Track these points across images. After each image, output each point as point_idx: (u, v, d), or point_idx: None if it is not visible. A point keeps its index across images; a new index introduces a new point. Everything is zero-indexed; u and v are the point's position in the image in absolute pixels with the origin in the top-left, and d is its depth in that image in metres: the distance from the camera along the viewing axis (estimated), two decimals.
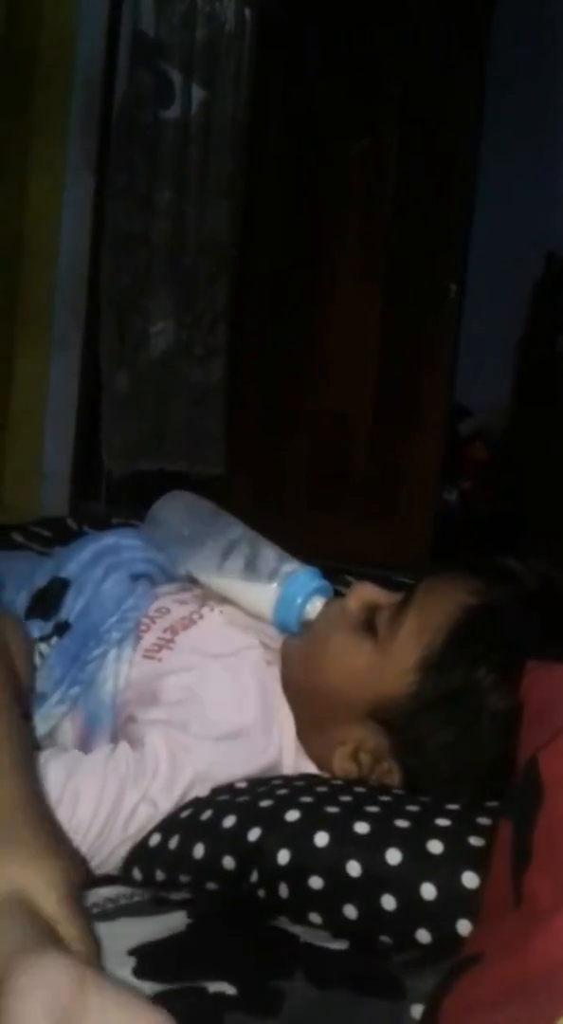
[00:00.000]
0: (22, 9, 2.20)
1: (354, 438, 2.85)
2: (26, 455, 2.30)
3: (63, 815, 0.69)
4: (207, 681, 0.84)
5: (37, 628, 0.92)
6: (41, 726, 0.87)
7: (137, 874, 0.72)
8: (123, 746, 0.77)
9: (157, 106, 2.59)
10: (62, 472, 2.41)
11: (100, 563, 0.99)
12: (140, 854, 0.72)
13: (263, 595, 0.95)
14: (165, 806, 0.73)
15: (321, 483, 2.86)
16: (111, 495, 2.68)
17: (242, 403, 2.91)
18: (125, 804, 0.72)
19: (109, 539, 1.02)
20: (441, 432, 2.89)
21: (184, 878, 0.70)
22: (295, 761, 0.83)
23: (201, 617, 0.93)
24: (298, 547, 1.05)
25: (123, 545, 1.03)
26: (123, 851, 0.72)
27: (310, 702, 0.84)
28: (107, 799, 0.71)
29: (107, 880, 0.73)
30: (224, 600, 0.97)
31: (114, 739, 0.86)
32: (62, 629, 0.93)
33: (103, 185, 2.44)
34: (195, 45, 2.67)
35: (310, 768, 0.83)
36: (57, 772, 0.72)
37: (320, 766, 0.82)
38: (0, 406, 2.25)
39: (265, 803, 0.70)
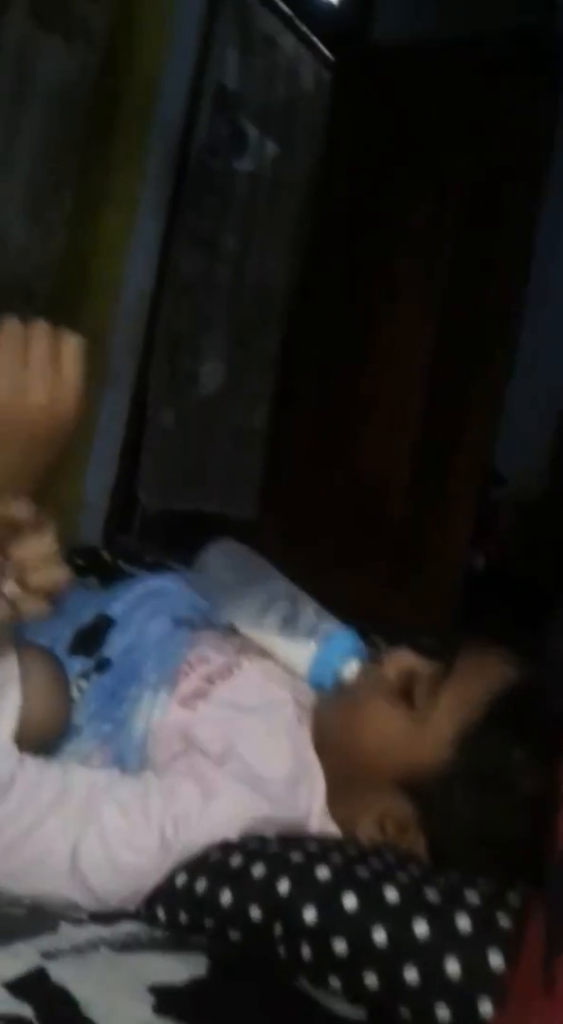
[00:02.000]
0: (114, 56, 2.29)
1: (388, 496, 2.88)
2: (69, 483, 2.35)
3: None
4: (242, 734, 0.85)
5: (79, 664, 0.94)
6: (72, 760, 0.88)
7: (160, 913, 0.74)
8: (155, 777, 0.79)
9: (231, 156, 2.67)
10: (101, 504, 2.46)
11: (146, 605, 1.01)
12: (165, 893, 0.73)
13: (300, 652, 0.97)
14: (195, 836, 0.74)
15: (352, 537, 2.88)
16: (144, 530, 2.71)
17: (282, 450, 2.95)
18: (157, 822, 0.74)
19: (156, 582, 1.05)
20: (475, 496, 2.91)
21: (208, 922, 0.71)
22: (321, 822, 0.84)
23: (239, 668, 0.95)
24: (322, 600, 1.07)
25: (169, 589, 1.06)
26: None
27: (340, 764, 0.85)
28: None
29: (129, 916, 0.75)
30: (262, 653, 0.99)
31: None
32: (103, 665, 0.95)
33: (171, 227, 2.51)
34: (273, 101, 2.76)
35: (335, 831, 0.84)
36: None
37: (344, 829, 0.83)
38: None
39: (296, 857, 0.71)
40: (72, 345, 0.80)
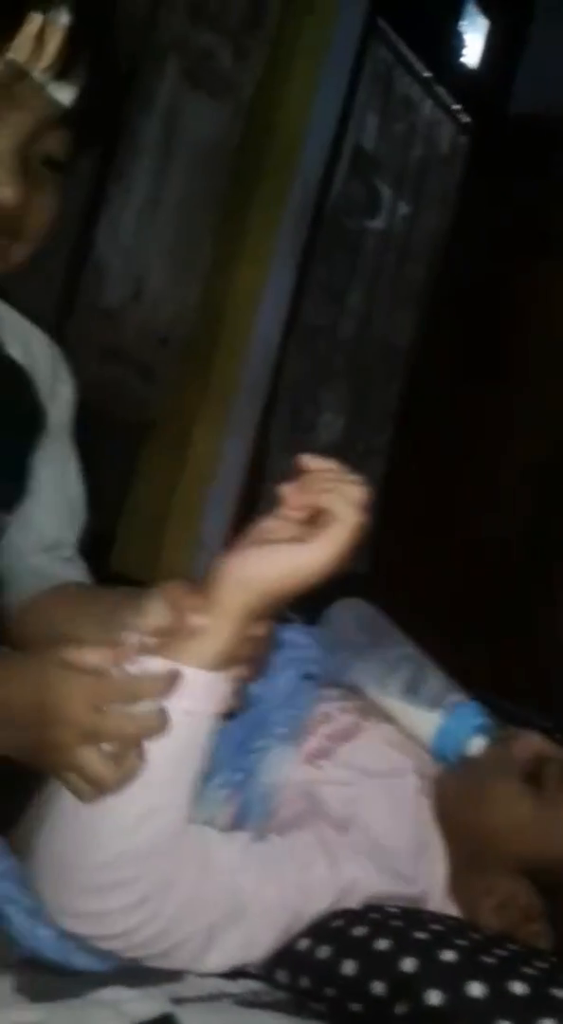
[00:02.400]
0: (259, 115, 2.38)
1: (504, 561, 2.84)
2: (188, 522, 2.40)
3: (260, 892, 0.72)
4: (365, 801, 0.86)
5: None
6: (202, 808, 0.90)
7: (282, 976, 0.74)
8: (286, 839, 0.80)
9: (364, 215, 2.73)
10: (216, 546, 2.50)
11: (275, 656, 1.03)
12: (287, 957, 0.74)
13: (424, 720, 0.97)
14: (322, 907, 0.75)
15: (462, 601, 2.84)
16: None
17: (397, 506, 2.95)
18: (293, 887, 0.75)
19: (287, 634, 1.07)
20: None
21: (329, 991, 0.71)
22: (441, 900, 0.83)
23: (362, 730, 0.96)
24: None
25: (299, 642, 1.07)
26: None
27: (463, 843, 0.84)
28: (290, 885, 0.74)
29: (250, 975, 0.76)
30: (385, 716, 0.99)
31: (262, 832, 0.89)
32: (232, 713, 0.98)
33: (302, 281, 2.57)
34: (408, 163, 2.81)
35: (454, 910, 0.83)
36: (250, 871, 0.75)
37: (466, 910, 0.82)
38: (174, 471, 2.37)
39: (420, 934, 0.71)
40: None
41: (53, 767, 0.65)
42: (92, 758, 0.63)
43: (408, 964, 0.69)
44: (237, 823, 0.90)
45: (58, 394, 0.88)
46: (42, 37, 0.61)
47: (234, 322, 2.40)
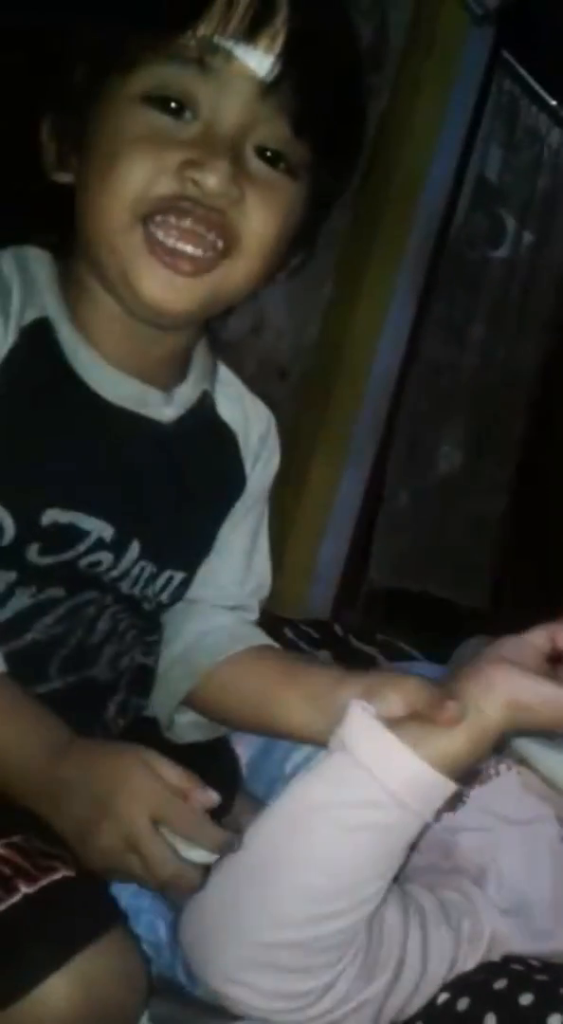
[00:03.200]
0: (380, 153, 2.39)
1: None
2: (304, 553, 2.40)
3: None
4: (503, 849, 0.82)
5: None
6: None
7: None
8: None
9: (487, 246, 2.70)
10: (332, 576, 2.49)
11: None
12: (426, 1009, 0.71)
13: None
14: (469, 964, 0.72)
15: None
16: (367, 606, 2.72)
17: (520, 542, 2.88)
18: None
19: (420, 670, 1.04)
20: None
21: None
22: None
23: (497, 774, 0.92)
24: None
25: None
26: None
27: None
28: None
29: None
30: (521, 760, 0.96)
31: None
32: None
33: (422, 315, 2.55)
34: (534, 193, 2.76)
35: None
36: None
37: None
38: (292, 502, 2.38)
39: None
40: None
41: (93, 861, 0.62)
42: (133, 863, 0.60)
43: (554, 1021, 0.65)
44: None
45: (264, 462, 0.86)
46: (229, 8, 0.57)
47: (354, 357, 2.40)
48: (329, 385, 2.39)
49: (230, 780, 0.78)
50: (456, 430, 2.77)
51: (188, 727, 0.84)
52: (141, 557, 0.73)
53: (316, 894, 0.65)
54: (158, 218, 0.62)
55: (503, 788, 0.90)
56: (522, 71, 2.66)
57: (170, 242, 0.62)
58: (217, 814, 0.66)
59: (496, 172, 2.69)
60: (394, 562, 2.66)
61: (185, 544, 0.79)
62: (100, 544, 0.70)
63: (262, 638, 0.85)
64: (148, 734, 0.87)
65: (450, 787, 0.66)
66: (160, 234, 0.62)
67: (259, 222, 0.63)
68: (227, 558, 0.83)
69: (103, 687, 0.76)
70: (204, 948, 0.67)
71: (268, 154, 0.63)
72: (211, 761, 0.83)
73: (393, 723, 0.67)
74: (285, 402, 2.37)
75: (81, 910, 0.60)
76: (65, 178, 0.68)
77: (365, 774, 0.65)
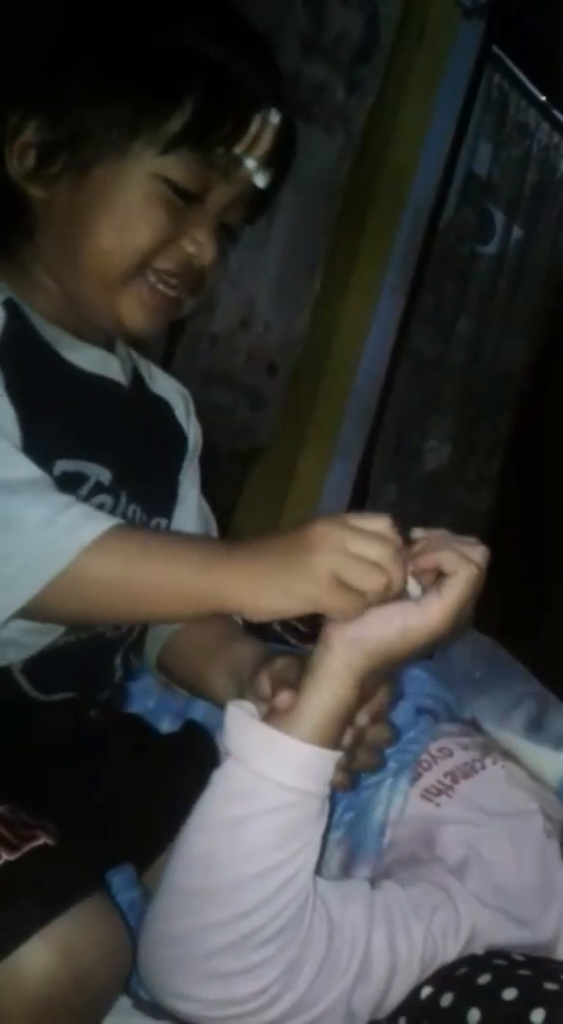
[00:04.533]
0: (370, 145, 2.38)
1: None
2: None
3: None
4: (486, 841, 0.82)
5: None
6: None
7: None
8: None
9: (476, 242, 2.70)
10: None
11: None
12: (409, 1004, 0.71)
13: (550, 760, 0.94)
14: (448, 957, 0.72)
15: None
16: None
17: (505, 536, 2.88)
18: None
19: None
20: None
21: None
22: None
23: (483, 767, 0.92)
24: None
25: (412, 676, 1.05)
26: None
27: None
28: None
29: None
30: (507, 754, 0.96)
31: (375, 868, 0.86)
32: None
33: (411, 309, 2.55)
34: (523, 188, 2.76)
35: None
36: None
37: None
38: (278, 496, 2.38)
39: (550, 985, 0.68)
40: None
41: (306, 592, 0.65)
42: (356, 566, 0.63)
43: (537, 1016, 0.65)
44: (349, 860, 0.88)
45: (194, 425, 0.96)
46: (259, 134, 0.73)
47: (342, 350, 2.40)
48: (318, 379, 2.39)
49: (210, 770, 0.79)
50: (444, 424, 2.77)
51: None
52: (131, 501, 0.80)
53: (235, 887, 0.66)
54: (156, 270, 0.75)
55: (489, 782, 0.90)
56: (512, 66, 2.65)
57: (160, 287, 0.75)
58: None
59: (485, 167, 2.69)
60: None
61: (161, 491, 0.88)
62: (99, 487, 0.76)
63: None
64: (135, 730, 0.90)
65: (331, 756, 0.68)
66: (154, 280, 0.75)
67: (215, 271, 0.78)
68: (189, 508, 0.92)
69: (111, 642, 0.82)
70: (154, 976, 0.69)
71: (229, 230, 0.78)
72: (191, 753, 0.86)
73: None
74: (274, 396, 2.37)
75: (60, 876, 0.63)
76: (34, 190, 0.73)
77: (245, 770, 0.68)
